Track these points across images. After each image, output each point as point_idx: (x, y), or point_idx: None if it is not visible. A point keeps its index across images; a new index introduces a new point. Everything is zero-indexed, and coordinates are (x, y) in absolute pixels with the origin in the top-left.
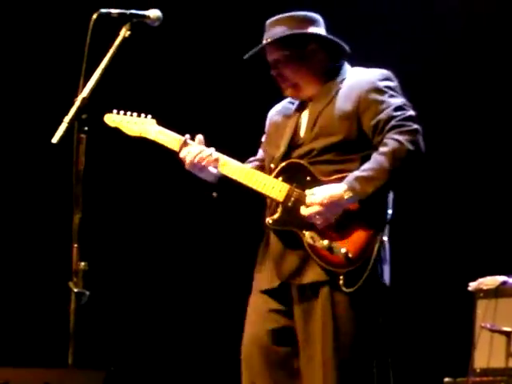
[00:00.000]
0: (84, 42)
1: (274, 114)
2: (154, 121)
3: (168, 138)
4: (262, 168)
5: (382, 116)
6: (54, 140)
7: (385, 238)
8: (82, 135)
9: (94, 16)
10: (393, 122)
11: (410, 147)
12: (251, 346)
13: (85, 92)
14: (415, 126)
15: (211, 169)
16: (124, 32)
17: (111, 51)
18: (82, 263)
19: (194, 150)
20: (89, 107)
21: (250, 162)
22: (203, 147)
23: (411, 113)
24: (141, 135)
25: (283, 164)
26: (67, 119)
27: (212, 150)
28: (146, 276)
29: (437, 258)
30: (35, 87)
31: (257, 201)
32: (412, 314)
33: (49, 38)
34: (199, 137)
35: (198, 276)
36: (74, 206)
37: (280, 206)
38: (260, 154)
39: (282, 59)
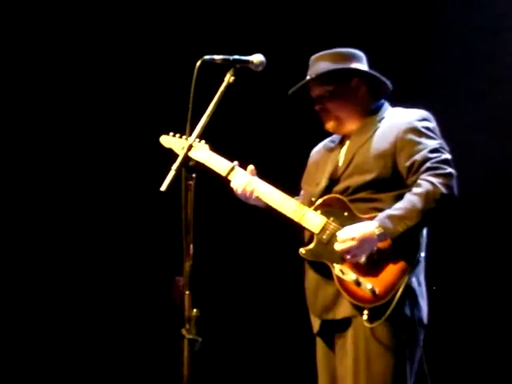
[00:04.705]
0: (188, 89)
1: (315, 152)
2: (207, 146)
3: (218, 163)
4: None
5: (418, 157)
6: (163, 188)
7: (414, 279)
8: (190, 182)
9: (198, 63)
10: (428, 164)
11: (444, 190)
12: None
13: (191, 138)
14: (450, 170)
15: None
16: (228, 78)
17: (216, 97)
18: (194, 310)
19: (239, 182)
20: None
21: None
22: (247, 178)
23: (447, 156)
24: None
25: (324, 198)
26: (175, 167)
27: (255, 180)
28: (257, 320)
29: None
30: (142, 134)
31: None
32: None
33: (152, 86)
34: (250, 167)
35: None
36: (184, 254)
37: (315, 237)
38: (302, 193)
39: (325, 94)
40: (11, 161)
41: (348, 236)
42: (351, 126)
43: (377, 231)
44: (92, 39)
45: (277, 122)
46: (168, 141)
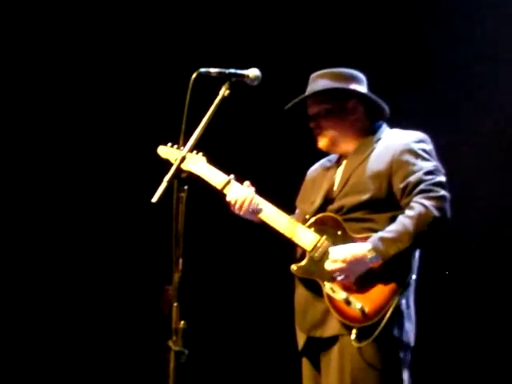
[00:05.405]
0: (183, 101)
1: (312, 171)
2: (204, 158)
3: (214, 176)
4: None
5: (412, 179)
6: (154, 199)
7: (403, 301)
8: (182, 194)
9: (194, 75)
10: (421, 186)
11: (436, 213)
12: None
13: (184, 150)
14: (443, 193)
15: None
16: (223, 91)
17: (211, 110)
18: (182, 322)
19: (235, 196)
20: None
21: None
22: (242, 193)
23: (441, 179)
24: (188, 170)
25: (318, 216)
26: (167, 178)
27: (251, 194)
28: (245, 335)
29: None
30: (136, 145)
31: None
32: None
33: (149, 97)
34: (246, 183)
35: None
36: (173, 266)
37: (307, 254)
38: (297, 212)
39: (321, 112)
40: (6, 172)
41: (340, 257)
42: (345, 146)
43: (369, 254)
44: (90, 50)
45: (273, 137)
46: (165, 151)
